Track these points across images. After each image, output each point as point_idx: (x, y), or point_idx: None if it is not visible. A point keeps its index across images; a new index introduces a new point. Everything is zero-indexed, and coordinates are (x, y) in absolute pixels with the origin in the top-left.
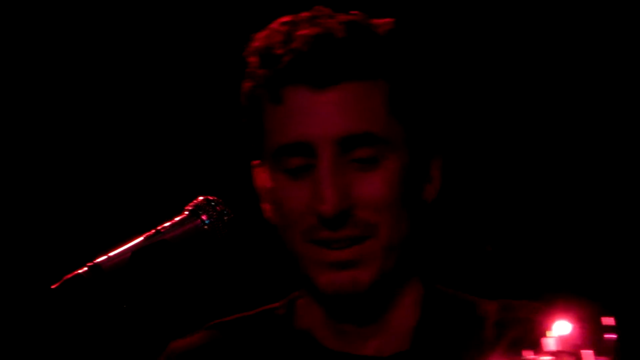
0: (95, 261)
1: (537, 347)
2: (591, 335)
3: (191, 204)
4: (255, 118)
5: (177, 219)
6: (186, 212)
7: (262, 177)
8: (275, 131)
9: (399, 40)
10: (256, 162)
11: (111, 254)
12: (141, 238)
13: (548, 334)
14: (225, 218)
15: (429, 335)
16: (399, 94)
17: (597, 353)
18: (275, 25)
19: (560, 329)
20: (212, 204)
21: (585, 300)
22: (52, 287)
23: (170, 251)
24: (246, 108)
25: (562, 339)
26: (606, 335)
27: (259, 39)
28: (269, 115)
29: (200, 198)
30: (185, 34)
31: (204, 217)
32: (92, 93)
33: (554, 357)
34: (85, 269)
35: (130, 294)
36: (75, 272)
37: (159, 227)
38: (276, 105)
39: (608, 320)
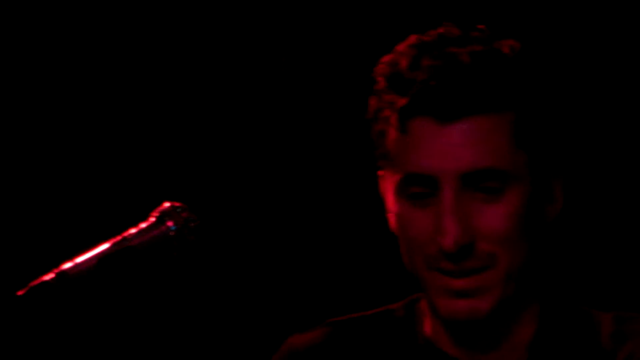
0: (61, 267)
1: None
2: None
3: (157, 210)
4: (380, 136)
5: (143, 225)
6: (152, 219)
7: (387, 191)
8: (400, 158)
9: (526, 67)
10: (381, 172)
11: (77, 260)
12: (107, 245)
13: None
14: (191, 224)
15: (545, 347)
16: (525, 124)
17: None
18: (402, 48)
19: None
20: (178, 210)
21: None
22: (18, 293)
23: (137, 258)
24: (372, 124)
25: None
26: None
27: (386, 62)
28: (393, 140)
29: (166, 204)
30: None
31: (169, 224)
32: (51, 96)
33: None
34: (52, 275)
35: (97, 301)
36: (41, 279)
37: (124, 234)
38: (401, 133)
39: None
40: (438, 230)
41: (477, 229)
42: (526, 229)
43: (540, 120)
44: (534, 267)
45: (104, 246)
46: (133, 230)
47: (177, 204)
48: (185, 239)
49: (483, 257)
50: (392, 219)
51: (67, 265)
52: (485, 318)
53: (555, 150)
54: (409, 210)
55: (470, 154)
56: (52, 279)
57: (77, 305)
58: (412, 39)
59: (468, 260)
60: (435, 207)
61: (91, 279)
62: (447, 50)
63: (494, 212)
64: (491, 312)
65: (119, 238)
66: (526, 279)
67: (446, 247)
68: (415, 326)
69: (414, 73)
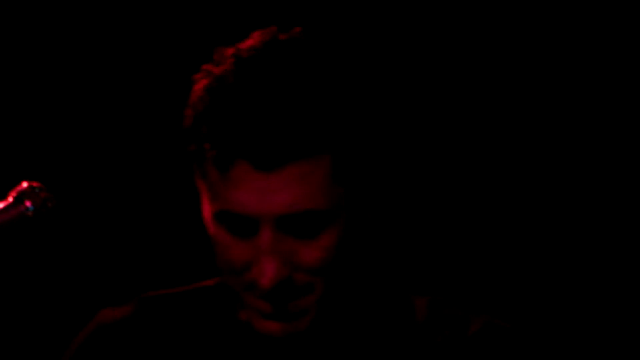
0: None
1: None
2: None
3: (15, 190)
4: (198, 156)
5: (0, 205)
6: (10, 199)
7: (204, 204)
8: (219, 192)
9: (343, 108)
10: (197, 174)
11: None
12: None
13: None
14: (49, 204)
15: (361, 329)
16: (343, 163)
17: None
18: (221, 71)
19: None
20: (37, 190)
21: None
22: None
23: None
24: (187, 135)
25: None
26: None
27: (207, 89)
28: (211, 173)
29: (24, 184)
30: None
31: (27, 204)
32: None
33: None
34: None
35: None
36: None
37: None
38: (220, 172)
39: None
40: (256, 266)
41: (295, 264)
42: (343, 253)
43: (359, 159)
44: (353, 256)
45: None
46: None
47: (35, 184)
48: (43, 219)
49: (301, 287)
50: (207, 227)
51: None
52: (304, 331)
53: (375, 186)
54: (226, 238)
55: (288, 198)
56: None
57: None
58: (230, 62)
59: (285, 294)
60: (252, 242)
61: None
62: (264, 92)
63: (311, 249)
64: (309, 325)
65: None
66: (341, 275)
67: (263, 286)
68: (231, 302)
69: (234, 116)
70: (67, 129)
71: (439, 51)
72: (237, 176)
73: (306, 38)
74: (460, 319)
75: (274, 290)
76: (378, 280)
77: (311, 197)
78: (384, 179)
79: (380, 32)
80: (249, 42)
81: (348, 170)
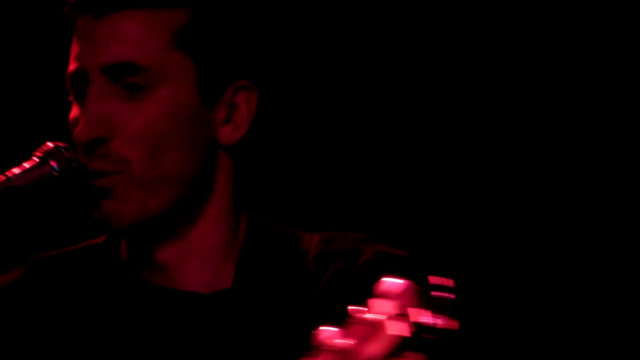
0: None
1: (363, 292)
2: (424, 293)
3: (40, 150)
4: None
5: (26, 165)
6: (35, 159)
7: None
8: (70, 56)
9: None
10: None
11: None
12: None
13: (377, 292)
14: (74, 164)
15: (250, 270)
16: (190, 24)
17: (433, 311)
18: None
19: (391, 286)
20: (62, 150)
21: (414, 258)
22: None
23: (21, 197)
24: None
25: (392, 297)
26: (441, 294)
27: None
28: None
29: (49, 144)
30: None
31: (53, 164)
32: None
33: (384, 316)
34: None
35: None
36: None
37: (7, 174)
38: (73, 30)
39: (441, 280)
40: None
41: (115, 127)
42: (178, 137)
43: (212, 23)
44: (210, 184)
45: None
46: (16, 170)
47: (60, 144)
48: (69, 180)
49: (115, 160)
50: None
51: None
52: (134, 225)
53: (232, 61)
54: (72, 109)
55: (114, 46)
56: None
57: None
58: None
59: (100, 160)
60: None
61: None
62: None
63: (134, 111)
64: (136, 219)
65: (2, 178)
66: (192, 193)
67: (75, 136)
68: (115, 255)
69: None
70: None
71: None
72: (77, 32)
73: None
74: (351, 251)
75: (88, 146)
76: (260, 214)
77: (140, 48)
78: (245, 60)
79: None
80: None
81: (197, 37)
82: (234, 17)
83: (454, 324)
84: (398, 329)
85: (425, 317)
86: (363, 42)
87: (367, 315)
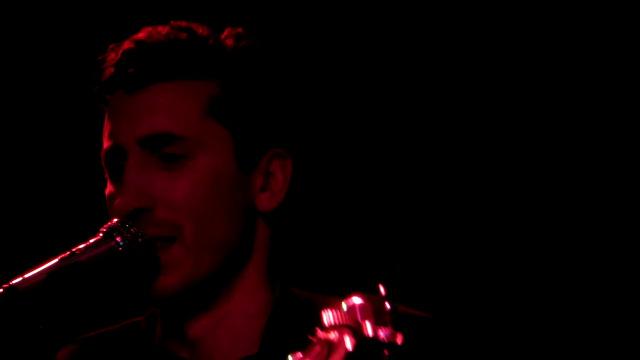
0: (10, 282)
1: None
2: (373, 307)
3: (105, 225)
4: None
5: (91, 240)
6: (101, 234)
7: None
8: (103, 134)
9: (228, 42)
10: None
11: (26, 275)
12: (56, 260)
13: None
14: (140, 240)
15: (277, 338)
16: (223, 95)
17: (376, 323)
18: (113, 44)
19: (346, 304)
20: (127, 225)
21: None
22: None
23: (85, 273)
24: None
25: (342, 313)
26: (383, 305)
27: (100, 60)
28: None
29: (115, 220)
30: None
31: (118, 239)
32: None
33: (334, 331)
34: (0, 290)
35: (46, 316)
36: None
37: (73, 249)
38: (105, 107)
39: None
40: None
41: (156, 196)
42: (220, 204)
43: (245, 93)
44: (248, 252)
45: (53, 261)
46: (82, 246)
47: (125, 220)
48: (134, 255)
49: (165, 226)
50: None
51: (17, 280)
52: (179, 293)
53: (266, 130)
54: (108, 185)
55: (149, 119)
56: (0, 294)
57: (26, 320)
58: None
59: (151, 227)
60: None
61: (40, 294)
62: (150, 31)
63: (174, 180)
64: (185, 286)
65: (67, 253)
66: (232, 261)
67: (114, 208)
68: (153, 333)
69: (111, 57)
70: None
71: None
72: (111, 108)
73: None
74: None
75: (128, 216)
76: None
77: (175, 119)
78: (279, 128)
79: None
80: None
81: (228, 105)
82: (264, 86)
83: (398, 336)
84: (352, 343)
85: (375, 330)
86: (391, 105)
87: (322, 334)
